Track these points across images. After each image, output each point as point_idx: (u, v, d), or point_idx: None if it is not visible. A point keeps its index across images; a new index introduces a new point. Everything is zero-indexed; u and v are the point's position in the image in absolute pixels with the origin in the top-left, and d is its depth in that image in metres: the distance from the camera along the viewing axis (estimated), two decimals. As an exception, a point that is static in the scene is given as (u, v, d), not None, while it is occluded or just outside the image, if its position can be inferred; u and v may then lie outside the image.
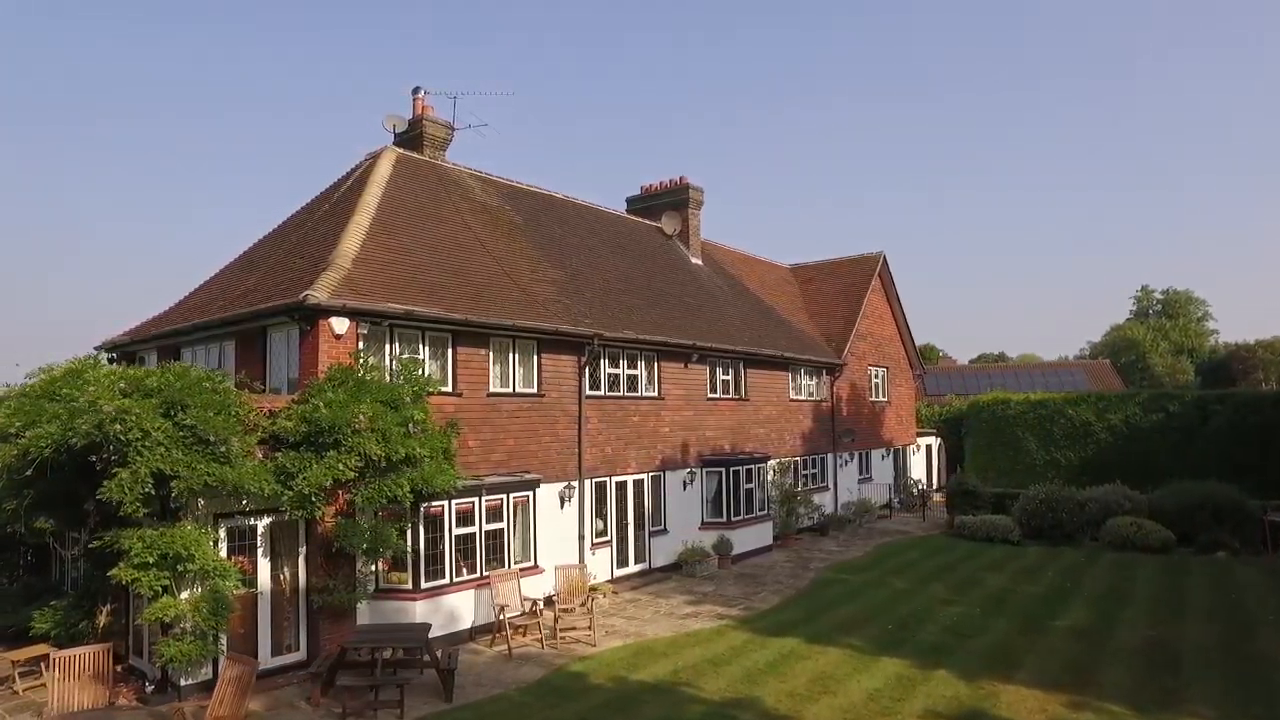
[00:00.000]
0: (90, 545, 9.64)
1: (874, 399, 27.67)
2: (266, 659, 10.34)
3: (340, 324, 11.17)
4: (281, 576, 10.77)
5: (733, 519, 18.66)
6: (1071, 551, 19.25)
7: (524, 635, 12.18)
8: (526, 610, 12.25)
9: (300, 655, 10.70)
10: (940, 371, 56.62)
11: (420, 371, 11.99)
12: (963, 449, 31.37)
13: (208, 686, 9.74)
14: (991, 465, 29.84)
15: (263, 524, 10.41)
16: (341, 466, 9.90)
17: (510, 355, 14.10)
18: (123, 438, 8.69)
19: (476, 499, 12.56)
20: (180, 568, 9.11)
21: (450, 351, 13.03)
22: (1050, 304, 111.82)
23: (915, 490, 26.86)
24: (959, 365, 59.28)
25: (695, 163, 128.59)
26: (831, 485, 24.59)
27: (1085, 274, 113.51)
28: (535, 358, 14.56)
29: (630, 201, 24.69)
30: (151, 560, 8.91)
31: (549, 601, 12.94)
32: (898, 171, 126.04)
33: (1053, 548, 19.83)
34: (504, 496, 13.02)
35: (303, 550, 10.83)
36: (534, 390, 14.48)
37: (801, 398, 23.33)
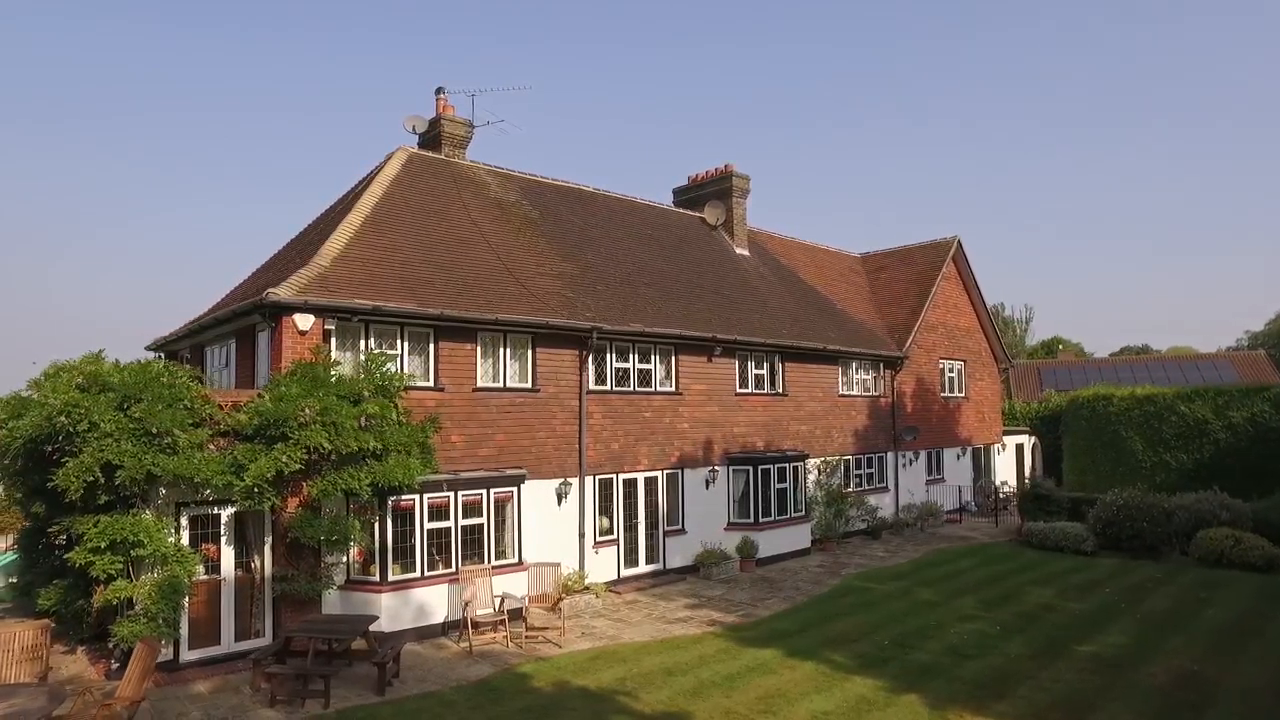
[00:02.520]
0: (48, 530, 10.34)
1: (946, 394, 25.69)
2: (229, 643, 10.75)
3: (304, 320, 11.42)
4: (253, 564, 11.16)
5: (760, 520, 17.80)
6: (1150, 566, 17.04)
7: (495, 632, 12.05)
8: (496, 608, 12.11)
9: (266, 641, 11.03)
10: (1058, 365, 52.04)
11: (391, 366, 12.09)
12: (1060, 449, 28.74)
13: (168, 667, 10.29)
14: (1091, 467, 27.13)
15: (226, 513, 10.81)
16: (285, 459, 10.10)
17: (501, 350, 14.02)
18: (70, 430, 9.25)
19: (451, 494, 12.54)
20: (134, 553, 9.62)
21: (432, 346, 13.09)
22: (1209, 292, 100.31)
23: (993, 493, 24.68)
24: (1079, 359, 54.20)
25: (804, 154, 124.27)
26: (892, 486, 23.04)
27: (1256, 255, 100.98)
28: (530, 352, 14.41)
29: (676, 193, 24.15)
30: (103, 545, 9.44)
31: (526, 600, 12.74)
32: (1034, 150, 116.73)
33: (1130, 561, 17.64)
34: (483, 492, 12.94)
35: (268, 540, 11.17)
36: (528, 385, 14.33)
37: (854, 393, 21.99)
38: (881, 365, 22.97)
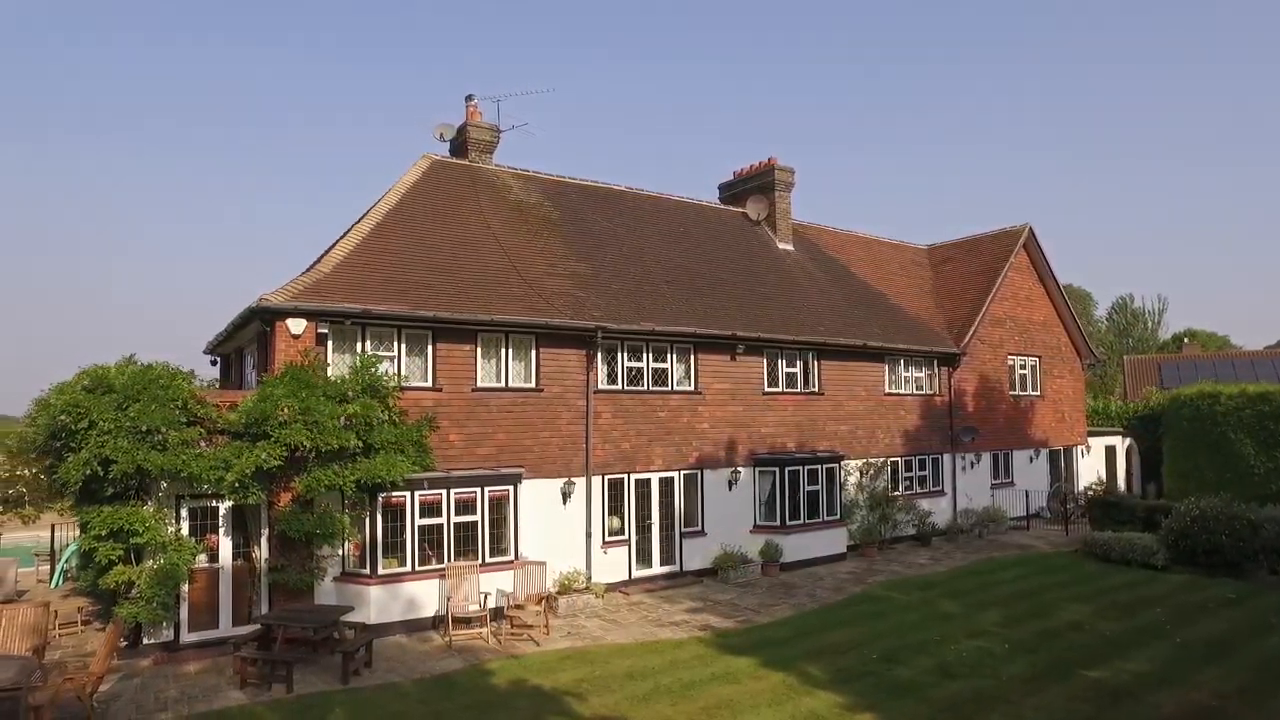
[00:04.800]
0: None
1: (1017, 392, 23.95)
2: (227, 628, 11.46)
3: (296, 325, 12.03)
4: (253, 555, 11.87)
5: (787, 523, 17.24)
6: (1225, 585, 15.24)
7: (480, 628, 12.26)
8: (482, 604, 12.32)
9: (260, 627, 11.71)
10: (1182, 360, 47.44)
11: (385, 367, 12.57)
12: (1160, 453, 26.20)
13: (169, 648, 11.11)
14: (1193, 473, 24.59)
15: (224, 506, 11.55)
16: (264, 455, 10.68)
17: (503, 350, 14.23)
18: (72, 427, 10.16)
19: (444, 491, 12.87)
20: (131, 541, 10.45)
21: (430, 348, 13.47)
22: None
23: (1065, 499, 22.75)
24: (1208, 353, 49.09)
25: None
26: (949, 490, 21.73)
27: None
28: (533, 352, 14.57)
29: (722, 189, 23.73)
30: (104, 533, 10.31)
31: (512, 597, 12.86)
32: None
33: (1204, 578, 15.85)
34: (477, 490, 13.18)
35: (265, 532, 11.84)
36: (531, 385, 14.48)
37: (903, 391, 20.90)
38: (936, 362, 21.70)
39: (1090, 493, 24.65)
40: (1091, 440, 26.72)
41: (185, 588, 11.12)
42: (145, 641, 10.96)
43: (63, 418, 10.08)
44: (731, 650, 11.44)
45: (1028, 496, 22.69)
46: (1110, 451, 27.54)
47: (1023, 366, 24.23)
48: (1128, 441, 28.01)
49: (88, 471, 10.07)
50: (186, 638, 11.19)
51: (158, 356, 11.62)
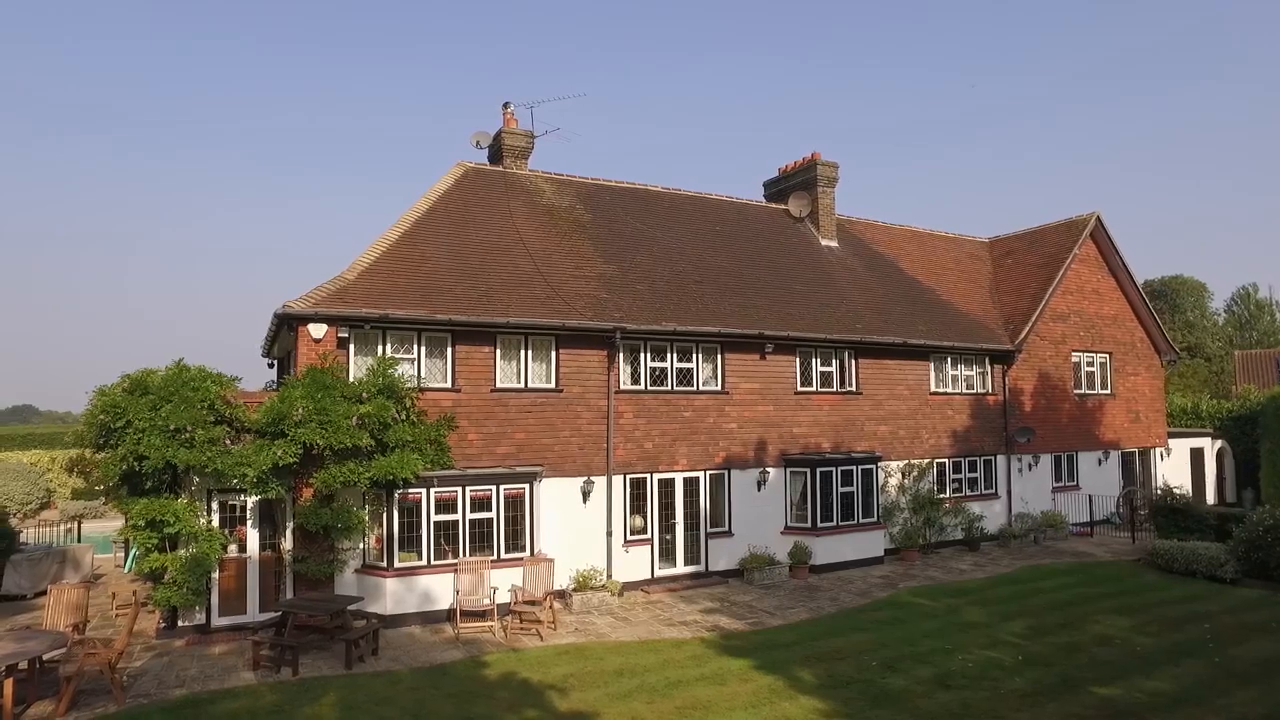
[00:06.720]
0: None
1: (1083, 391, 22.59)
2: (254, 614, 12.28)
3: (318, 329, 12.73)
4: (280, 545, 12.65)
5: (819, 525, 16.92)
6: (1297, 601, 14.00)
7: (491, 621, 12.62)
8: (492, 599, 12.69)
9: (288, 614, 12.46)
10: (1300, 355, 43.32)
11: (403, 369, 13.15)
12: (1259, 456, 24.17)
13: (201, 630, 12.00)
14: (1292, 478, 22.60)
15: (251, 500, 12.36)
16: (281, 453, 11.38)
17: (522, 351, 14.61)
18: (111, 426, 11.13)
19: (459, 489, 13.33)
20: (165, 530, 11.35)
21: (450, 350, 13.98)
22: None
23: (1131, 505, 21.27)
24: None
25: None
26: (1003, 494, 20.75)
27: None
28: (553, 353, 14.88)
29: (766, 186, 23.44)
30: (142, 523, 11.26)
31: (521, 593, 13.16)
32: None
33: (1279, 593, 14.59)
34: (492, 488, 13.58)
35: (289, 525, 12.60)
36: (551, 385, 14.80)
37: (950, 390, 20.12)
38: (989, 360, 20.76)
39: (1170, 499, 23.00)
40: (1174, 442, 24.90)
41: (216, 575, 12.00)
42: (181, 624, 11.88)
43: (103, 417, 11.06)
44: (730, 652, 11.39)
45: (1091, 501, 21.39)
46: (1196, 454, 25.58)
47: (1090, 364, 22.84)
48: (1218, 444, 25.97)
49: (125, 467, 11.02)
50: (217, 621, 12.06)
51: (222, 358, 12.58)
